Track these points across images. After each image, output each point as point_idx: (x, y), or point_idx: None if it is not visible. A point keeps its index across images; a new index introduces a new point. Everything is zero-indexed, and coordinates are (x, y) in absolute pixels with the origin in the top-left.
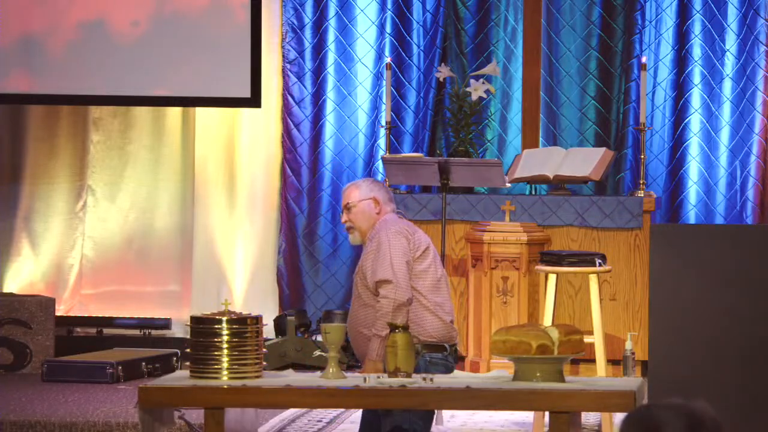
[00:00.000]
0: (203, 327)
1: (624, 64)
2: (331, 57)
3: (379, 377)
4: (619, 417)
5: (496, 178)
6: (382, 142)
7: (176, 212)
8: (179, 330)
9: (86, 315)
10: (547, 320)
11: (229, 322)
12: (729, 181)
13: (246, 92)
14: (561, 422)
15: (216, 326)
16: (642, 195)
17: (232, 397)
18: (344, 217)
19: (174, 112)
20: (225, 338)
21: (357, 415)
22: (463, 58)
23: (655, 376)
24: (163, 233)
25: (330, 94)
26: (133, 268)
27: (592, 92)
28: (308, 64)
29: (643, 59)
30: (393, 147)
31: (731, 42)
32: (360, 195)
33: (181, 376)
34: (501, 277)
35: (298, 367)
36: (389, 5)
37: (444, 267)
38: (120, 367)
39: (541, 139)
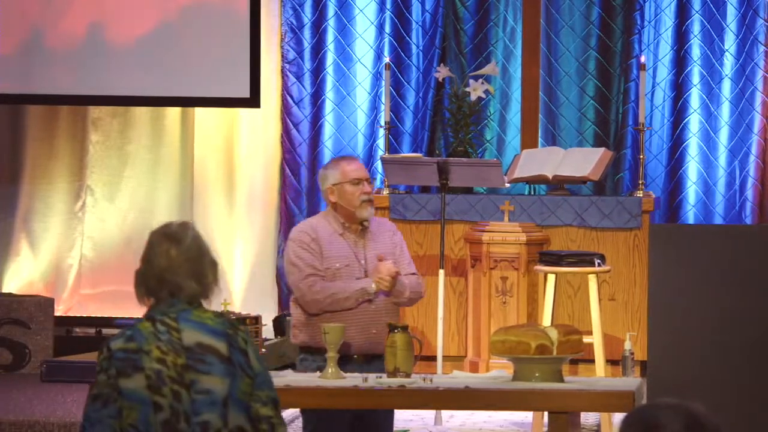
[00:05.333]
0: None
1: (623, 64)
2: (330, 57)
3: (379, 377)
4: (618, 417)
5: (495, 178)
6: (381, 142)
7: (175, 212)
8: None
9: (85, 315)
10: (546, 320)
11: None
12: (728, 181)
13: (245, 92)
14: (560, 422)
15: None
16: (641, 195)
17: None
18: (368, 188)
19: (173, 113)
20: None
21: None
22: (462, 58)
23: (654, 376)
24: None
25: (329, 95)
26: (132, 268)
27: (591, 92)
28: (307, 64)
29: (642, 59)
30: (392, 147)
31: (730, 42)
32: None
33: None
34: (500, 278)
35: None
36: (388, 5)
37: (443, 267)
38: None
39: (540, 139)
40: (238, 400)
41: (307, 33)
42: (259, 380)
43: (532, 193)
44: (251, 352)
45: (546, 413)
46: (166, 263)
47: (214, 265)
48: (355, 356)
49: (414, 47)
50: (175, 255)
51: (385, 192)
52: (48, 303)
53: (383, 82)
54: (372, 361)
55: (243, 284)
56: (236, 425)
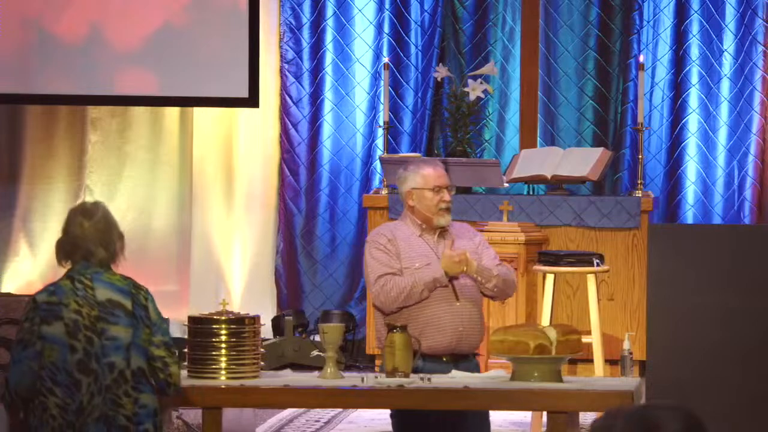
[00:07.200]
0: (201, 327)
1: (622, 64)
2: (329, 57)
3: (376, 377)
4: None
5: (493, 178)
6: (380, 142)
7: (174, 212)
8: (177, 330)
9: None
10: (545, 320)
11: (227, 322)
12: (727, 181)
13: (244, 92)
14: (559, 422)
15: (214, 326)
16: (640, 195)
17: (230, 397)
18: (447, 196)
19: (172, 112)
20: (223, 338)
21: (355, 415)
22: (461, 58)
23: (653, 376)
24: (161, 233)
25: (328, 94)
26: (131, 268)
27: (590, 92)
28: (306, 64)
29: (641, 59)
30: (391, 147)
31: (729, 42)
32: None
33: None
34: None
35: (296, 367)
36: (387, 5)
37: None
38: None
39: (539, 139)
40: (139, 346)
41: (305, 33)
42: (155, 329)
43: (531, 193)
44: (151, 307)
45: (545, 413)
46: (79, 232)
47: (120, 237)
48: (444, 358)
49: (413, 47)
50: (87, 226)
51: (384, 192)
52: None
53: (382, 82)
54: (459, 361)
55: (242, 284)
56: (137, 366)
